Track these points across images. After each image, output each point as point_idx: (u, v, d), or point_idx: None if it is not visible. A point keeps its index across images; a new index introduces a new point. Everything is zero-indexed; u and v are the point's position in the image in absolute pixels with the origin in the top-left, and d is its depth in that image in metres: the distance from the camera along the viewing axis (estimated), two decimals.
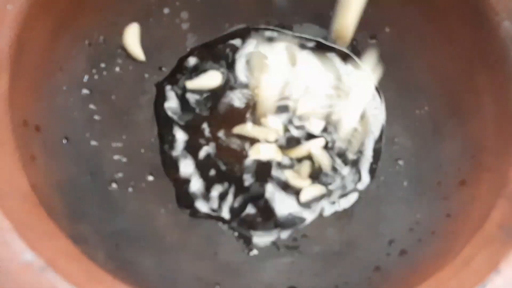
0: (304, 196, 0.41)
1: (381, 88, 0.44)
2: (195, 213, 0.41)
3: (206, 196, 0.41)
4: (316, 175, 0.42)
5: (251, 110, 0.44)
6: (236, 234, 0.40)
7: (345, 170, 0.42)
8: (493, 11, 0.35)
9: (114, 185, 0.40)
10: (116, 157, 0.41)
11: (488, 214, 0.32)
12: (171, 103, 0.44)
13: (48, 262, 0.25)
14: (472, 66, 0.38)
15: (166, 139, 0.43)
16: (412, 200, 0.39)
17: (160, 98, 0.44)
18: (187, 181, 0.42)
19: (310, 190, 0.41)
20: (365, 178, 0.42)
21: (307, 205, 0.41)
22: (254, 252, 0.39)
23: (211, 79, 0.45)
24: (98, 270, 0.28)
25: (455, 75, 0.40)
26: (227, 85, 0.45)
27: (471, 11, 0.37)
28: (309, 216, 0.41)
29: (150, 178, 0.41)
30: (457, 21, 0.39)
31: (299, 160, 0.42)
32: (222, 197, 0.41)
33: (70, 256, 0.27)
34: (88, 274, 0.27)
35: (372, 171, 0.42)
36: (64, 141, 0.38)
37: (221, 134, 0.43)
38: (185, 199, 0.41)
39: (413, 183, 0.40)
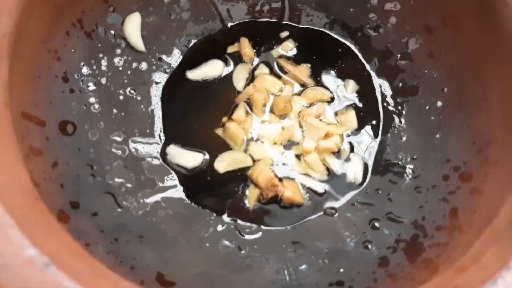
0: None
1: (386, 81, 0.44)
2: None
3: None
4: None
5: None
6: (239, 229, 0.40)
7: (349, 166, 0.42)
8: (503, 2, 0.35)
9: (113, 179, 0.39)
10: (115, 149, 0.40)
11: (497, 209, 0.32)
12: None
13: (51, 258, 0.24)
14: (479, 58, 0.38)
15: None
16: (418, 195, 0.39)
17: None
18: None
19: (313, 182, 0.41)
20: (370, 173, 0.41)
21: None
22: (257, 247, 0.39)
23: (213, 68, 0.44)
24: (100, 265, 0.27)
25: (462, 67, 0.39)
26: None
27: (480, 1, 0.36)
28: (310, 210, 0.40)
29: (150, 171, 0.40)
30: (465, 12, 0.38)
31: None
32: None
33: (73, 251, 0.26)
34: (91, 270, 0.26)
35: (377, 166, 0.42)
36: (63, 133, 0.37)
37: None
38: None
39: (419, 177, 0.40)
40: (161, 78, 0.43)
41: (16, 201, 0.26)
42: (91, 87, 0.40)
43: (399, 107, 0.43)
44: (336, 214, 0.40)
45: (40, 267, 0.24)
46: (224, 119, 0.43)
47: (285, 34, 0.45)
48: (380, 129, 0.43)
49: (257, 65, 0.45)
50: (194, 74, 0.44)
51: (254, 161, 0.42)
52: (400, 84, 0.43)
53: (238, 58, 0.45)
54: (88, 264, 0.26)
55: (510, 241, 0.29)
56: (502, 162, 0.35)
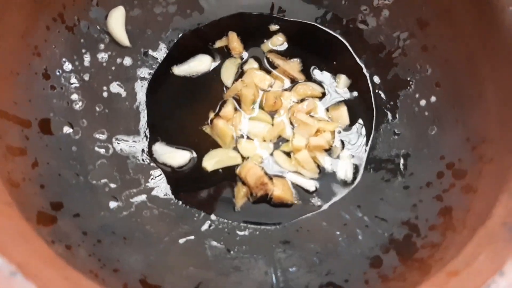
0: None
1: (379, 76, 0.42)
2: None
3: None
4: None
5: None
6: (227, 229, 0.38)
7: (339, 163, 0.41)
8: None
9: (96, 178, 0.38)
10: (98, 148, 0.39)
11: (491, 209, 0.30)
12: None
13: (18, 266, 0.23)
14: (474, 52, 0.36)
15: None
16: (411, 193, 0.38)
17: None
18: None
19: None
20: (361, 171, 0.40)
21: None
22: (246, 247, 0.38)
23: (200, 63, 0.43)
24: (75, 273, 0.26)
25: (457, 62, 0.38)
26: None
27: None
28: (301, 209, 0.39)
29: (135, 170, 0.39)
30: (459, 5, 0.37)
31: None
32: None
33: (45, 259, 0.25)
34: (63, 278, 0.25)
35: (369, 163, 0.40)
36: (43, 132, 0.36)
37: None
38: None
39: (412, 174, 0.39)
40: (146, 73, 0.42)
41: None
42: (74, 84, 0.39)
43: (392, 103, 0.42)
44: (327, 213, 0.39)
45: (5, 276, 0.22)
46: (211, 115, 0.42)
47: (275, 27, 0.44)
48: (373, 125, 0.41)
49: (246, 60, 0.44)
50: (181, 70, 0.43)
51: (243, 158, 0.41)
52: (393, 79, 0.42)
53: (226, 53, 0.43)
54: (60, 272, 0.25)
55: (504, 244, 0.28)
56: (497, 159, 0.33)
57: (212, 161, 0.40)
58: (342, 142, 0.41)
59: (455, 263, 0.29)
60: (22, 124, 0.35)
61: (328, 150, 0.41)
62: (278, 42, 0.44)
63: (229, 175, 0.40)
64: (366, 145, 0.41)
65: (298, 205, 0.39)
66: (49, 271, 0.24)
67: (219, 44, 0.44)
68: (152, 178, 0.39)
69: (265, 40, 0.44)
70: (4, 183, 0.28)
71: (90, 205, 0.36)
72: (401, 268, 0.34)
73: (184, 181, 0.40)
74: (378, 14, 0.42)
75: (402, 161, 0.40)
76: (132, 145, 0.40)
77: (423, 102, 0.40)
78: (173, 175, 0.40)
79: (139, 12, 0.42)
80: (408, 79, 0.41)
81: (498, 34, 0.34)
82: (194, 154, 0.40)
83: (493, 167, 0.34)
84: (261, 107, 0.42)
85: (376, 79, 0.43)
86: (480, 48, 0.36)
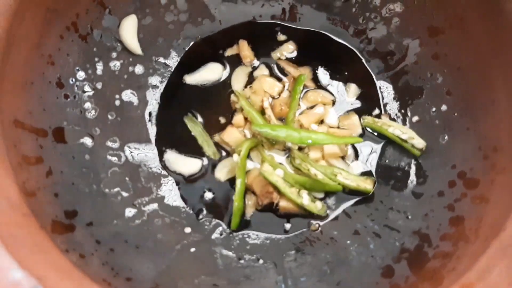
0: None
1: (390, 83, 0.42)
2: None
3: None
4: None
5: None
6: (238, 237, 0.39)
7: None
8: (510, 3, 0.33)
9: (109, 187, 0.38)
10: (110, 156, 0.39)
11: (504, 221, 0.30)
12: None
13: (39, 280, 0.23)
14: (486, 59, 0.36)
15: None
16: (422, 202, 0.38)
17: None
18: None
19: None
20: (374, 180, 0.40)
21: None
22: (256, 256, 0.38)
23: (211, 72, 0.43)
24: (91, 284, 0.26)
25: (468, 70, 0.38)
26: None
27: (487, 1, 0.35)
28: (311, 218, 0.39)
29: (147, 178, 0.40)
30: (471, 12, 0.37)
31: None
32: None
33: (62, 270, 0.26)
34: None
35: (380, 172, 0.40)
36: (57, 141, 0.36)
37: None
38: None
39: (423, 183, 0.39)
40: (158, 81, 0.42)
41: (3, 219, 0.25)
42: (87, 92, 0.39)
43: (403, 111, 0.42)
44: (337, 222, 0.39)
45: None
46: (222, 120, 0.42)
47: (283, 37, 0.44)
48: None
49: (257, 67, 0.44)
50: (192, 78, 0.43)
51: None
52: (404, 87, 0.42)
53: (237, 61, 0.44)
54: (77, 283, 0.25)
55: None
56: (510, 169, 0.33)
57: (224, 171, 0.40)
58: (355, 150, 0.41)
59: (469, 276, 0.29)
60: (37, 133, 0.35)
61: (343, 158, 0.41)
62: (289, 50, 0.44)
63: None
64: (377, 153, 0.41)
65: (308, 214, 0.39)
66: (67, 284, 0.25)
67: (230, 52, 0.44)
68: (164, 187, 0.40)
69: (275, 48, 0.44)
70: (20, 193, 0.28)
71: (103, 214, 0.36)
72: (413, 278, 0.34)
73: (195, 189, 0.40)
74: (388, 22, 0.42)
75: (413, 169, 0.40)
76: (144, 153, 0.40)
77: (434, 110, 0.40)
78: (184, 183, 0.40)
79: (150, 20, 0.42)
80: (419, 87, 0.41)
81: (511, 42, 0.34)
82: (205, 162, 0.41)
83: (506, 177, 0.33)
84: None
85: (387, 87, 0.42)
86: (492, 56, 0.36)
